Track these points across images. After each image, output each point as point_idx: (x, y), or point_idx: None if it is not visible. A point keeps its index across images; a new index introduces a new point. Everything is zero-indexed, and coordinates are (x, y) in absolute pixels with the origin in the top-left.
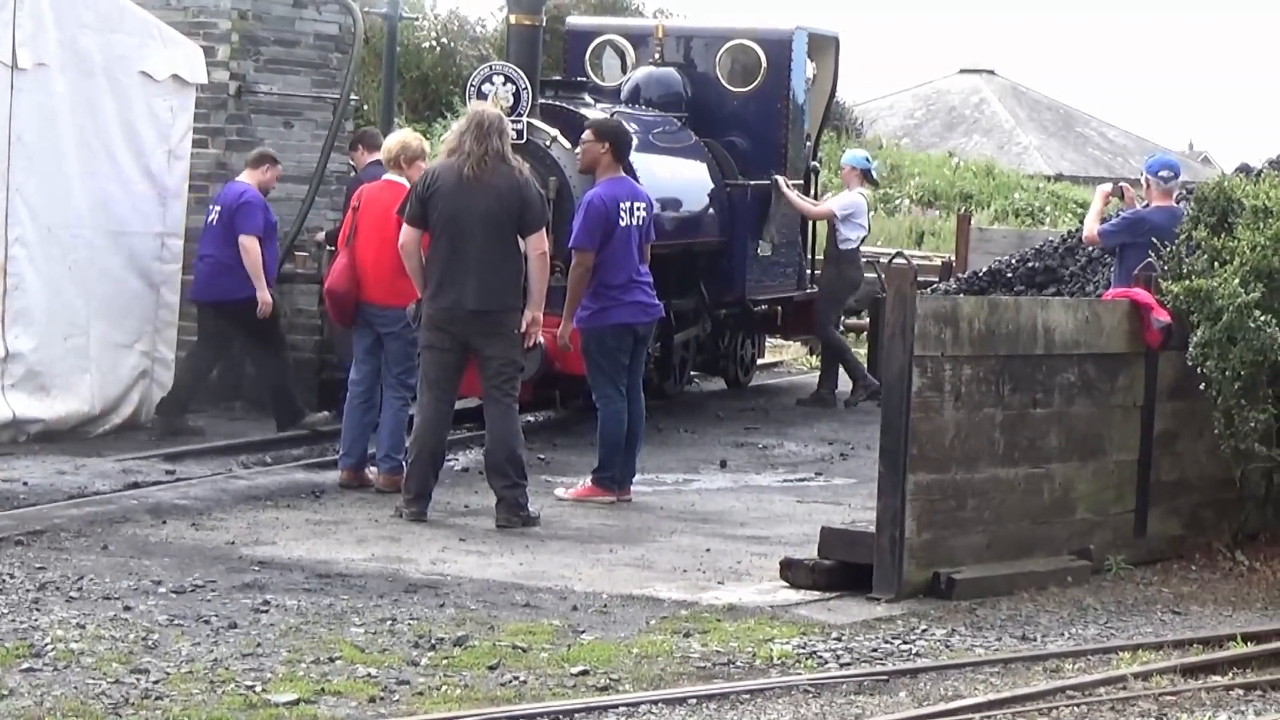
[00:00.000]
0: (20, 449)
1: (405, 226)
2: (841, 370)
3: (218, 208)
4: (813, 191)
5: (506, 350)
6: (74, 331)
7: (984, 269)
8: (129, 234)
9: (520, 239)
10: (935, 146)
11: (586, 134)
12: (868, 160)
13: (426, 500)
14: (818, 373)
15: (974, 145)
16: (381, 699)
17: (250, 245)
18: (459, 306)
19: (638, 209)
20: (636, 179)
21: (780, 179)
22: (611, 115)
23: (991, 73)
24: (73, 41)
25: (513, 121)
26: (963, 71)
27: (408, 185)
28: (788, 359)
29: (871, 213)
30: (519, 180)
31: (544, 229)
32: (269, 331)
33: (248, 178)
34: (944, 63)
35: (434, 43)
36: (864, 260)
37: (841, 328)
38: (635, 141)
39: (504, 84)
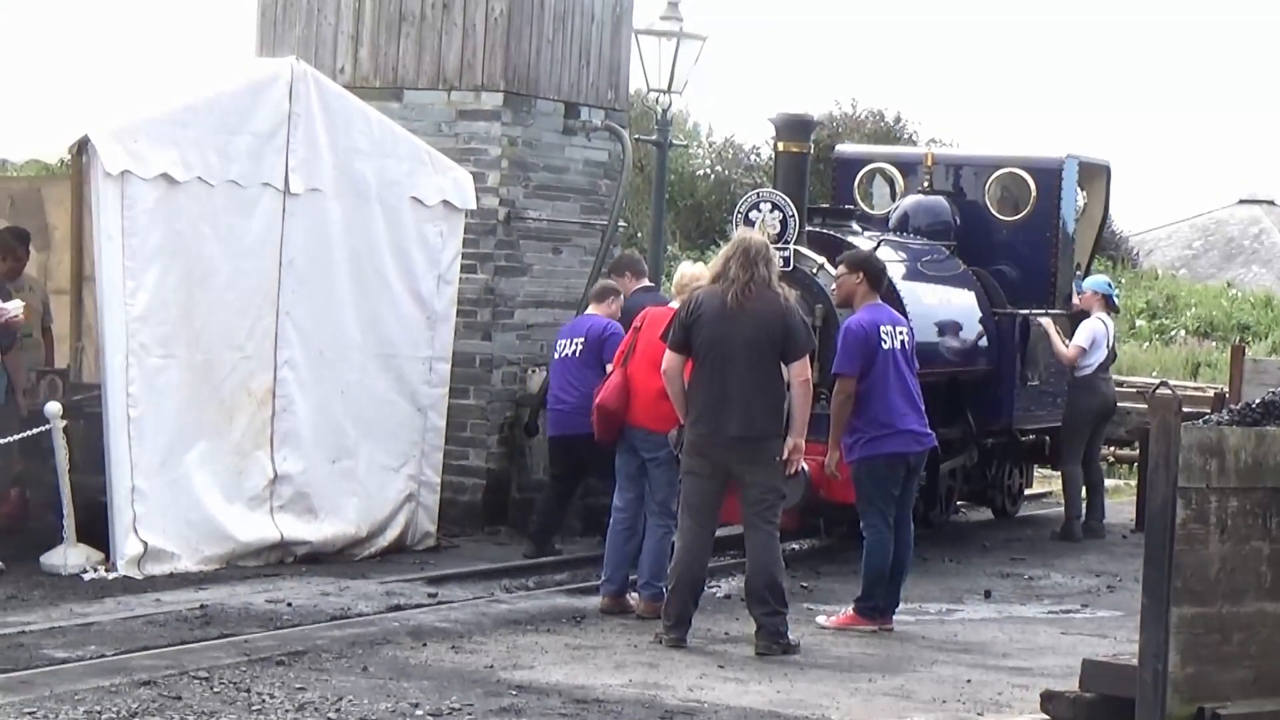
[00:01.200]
0: (286, 570)
1: (668, 352)
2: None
3: (580, 340)
4: None
5: (768, 477)
6: (342, 454)
7: (1257, 400)
8: (398, 357)
9: (784, 365)
10: (1213, 277)
11: (840, 268)
12: (1109, 285)
13: (686, 626)
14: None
15: (1253, 276)
16: None
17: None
18: (720, 433)
19: (899, 333)
20: (903, 306)
21: (1045, 321)
22: (879, 244)
23: (1272, 203)
24: (347, 166)
25: (779, 248)
26: (1242, 202)
27: None
28: (1056, 489)
29: (1116, 338)
30: (783, 307)
31: (808, 356)
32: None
33: (596, 310)
34: (1223, 193)
35: (708, 170)
36: (1137, 391)
37: (1110, 457)
38: (890, 269)
39: (771, 211)
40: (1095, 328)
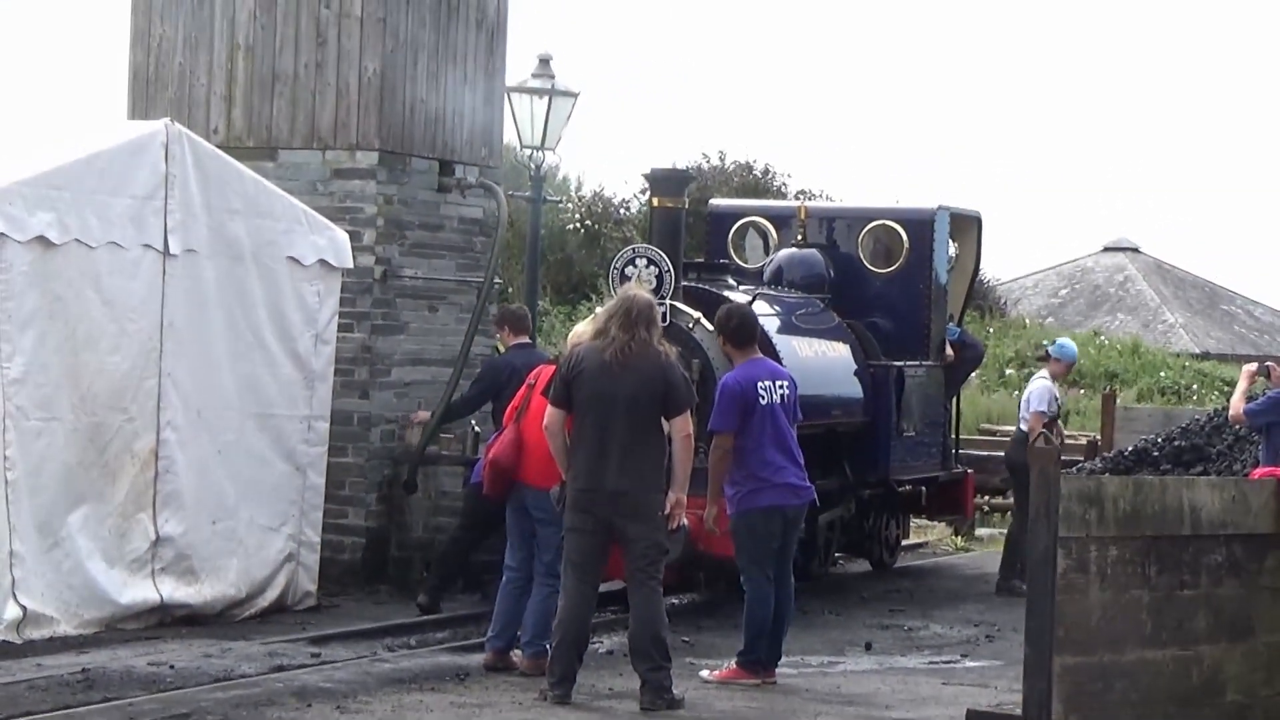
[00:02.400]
0: (167, 632)
1: (549, 408)
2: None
3: None
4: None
5: (650, 532)
6: (222, 515)
7: (1129, 448)
8: (276, 416)
9: (665, 421)
10: (1080, 325)
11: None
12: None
13: (571, 683)
14: (964, 553)
15: (1119, 324)
16: None
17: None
18: (602, 488)
19: (779, 387)
20: (779, 359)
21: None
22: (753, 297)
23: (1136, 250)
24: (221, 227)
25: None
26: (1107, 250)
27: None
28: (932, 539)
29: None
30: (663, 363)
31: (689, 411)
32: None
33: None
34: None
35: (578, 225)
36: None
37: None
38: (765, 323)
39: (647, 266)
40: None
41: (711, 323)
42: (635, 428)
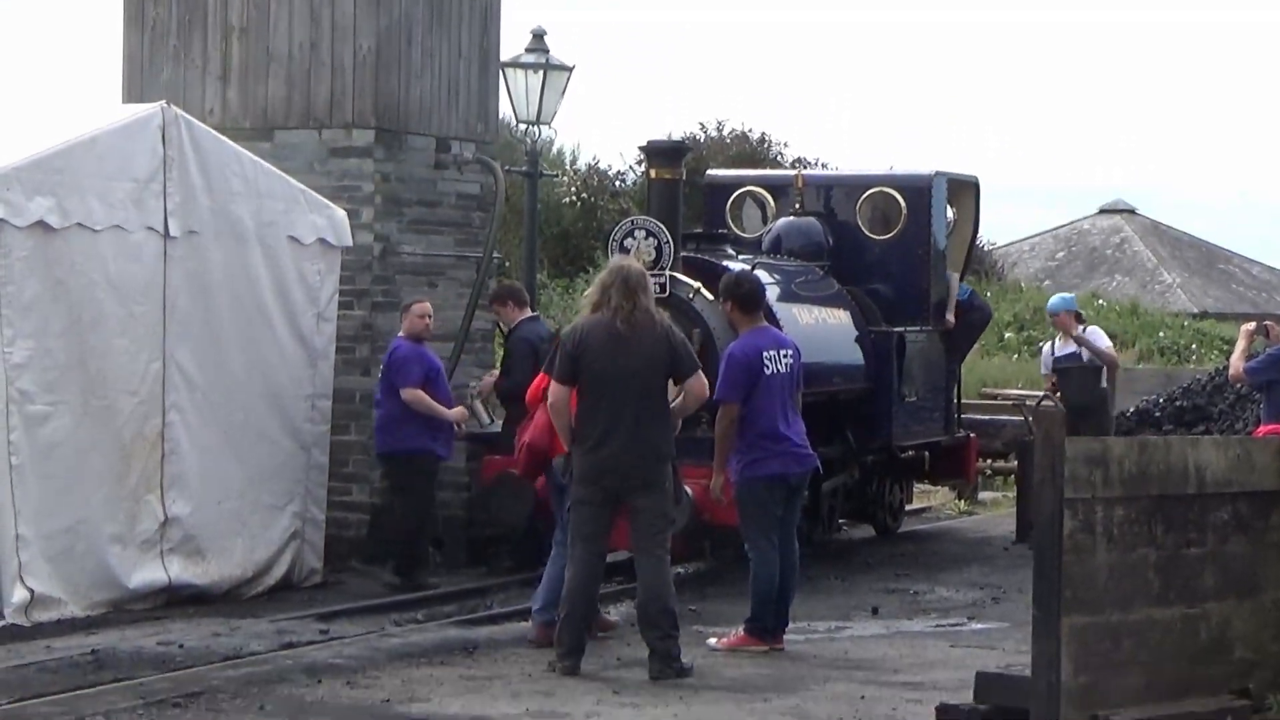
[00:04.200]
0: (175, 612)
1: (554, 384)
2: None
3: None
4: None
5: (658, 503)
6: (229, 495)
7: (1131, 409)
8: (281, 396)
9: (680, 385)
10: (1078, 287)
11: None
12: (1072, 300)
13: (580, 654)
14: (967, 517)
15: (1117, 285)
16: None
17: (411, 396)
18: (610, 460)
19: (784, 356)
20: (780, 327)
21: (1095, 330)
22: (752, 266)
23: (1132, 211)
24: (223, 208)
25: (655, 275)
26: (1103, 211)
27: None
28: (935, 504)
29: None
30: (662, 332)
31: (699, 371)
32: (421, 485)
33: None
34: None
35: (574, 198)
36: (1011, 404)
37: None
38: (772, 289)
39: (646, 238)
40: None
41: (711, 293)
42: (643, 399)
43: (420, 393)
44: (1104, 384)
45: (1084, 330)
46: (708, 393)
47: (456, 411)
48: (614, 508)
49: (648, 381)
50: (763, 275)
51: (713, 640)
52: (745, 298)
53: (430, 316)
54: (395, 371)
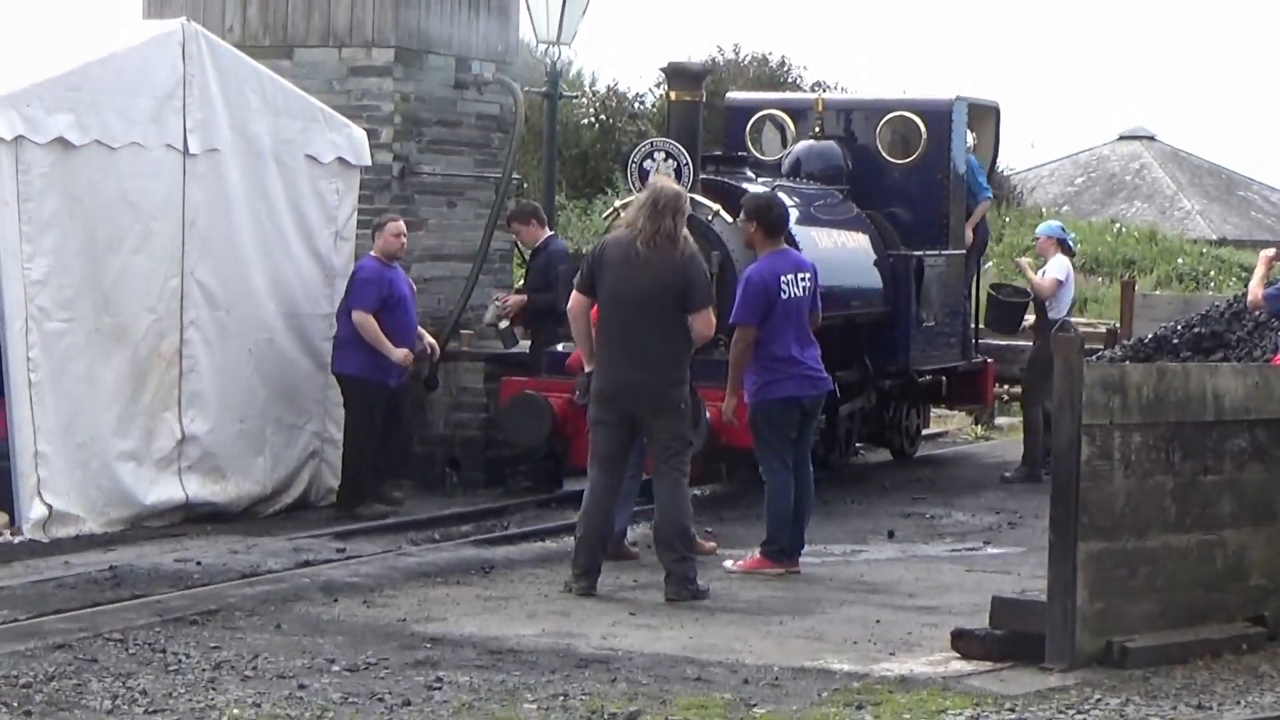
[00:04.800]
0: (192, 529)
1: (575, 292)
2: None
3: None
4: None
5: (673, 425)
6: (248, 413)
7: (1149, 336)
8: (300, 315)
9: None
10: (1096, 214)
11: (741, 216)
12: (1063, 229)
13: (596, 575)
14: (984, 442)
15: (1135, 212)
16: None
17: (360, 320)
18: (624, 381)
19: (801, 280)
20: (798, 251)
21: (1022, 260)
22: (772, 189)
23: (1152, 138)
24: (242, 126)
25: None
26: (1122, 138)
27: None
28: (953, 429)
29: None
30: (682, 259)
31: (709, 309)
32: (363, 412)
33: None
34: (1103, 129)
35: (593, 119)
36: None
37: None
38: (791, 212)
39: (665, 160)
40: (1066, 265)
41: (731, 215)
42: (654, 322)
43: (370, 319)
44: (1032, 319)
45: (1053, 259)
46: (712, 331)
47: (400, 353)
48: (630, 430)
49: (660, 304)
50: (782, 198)
51: (729, 563)
52: (775, 222)
53: (404, 235)
54: (353, 292)
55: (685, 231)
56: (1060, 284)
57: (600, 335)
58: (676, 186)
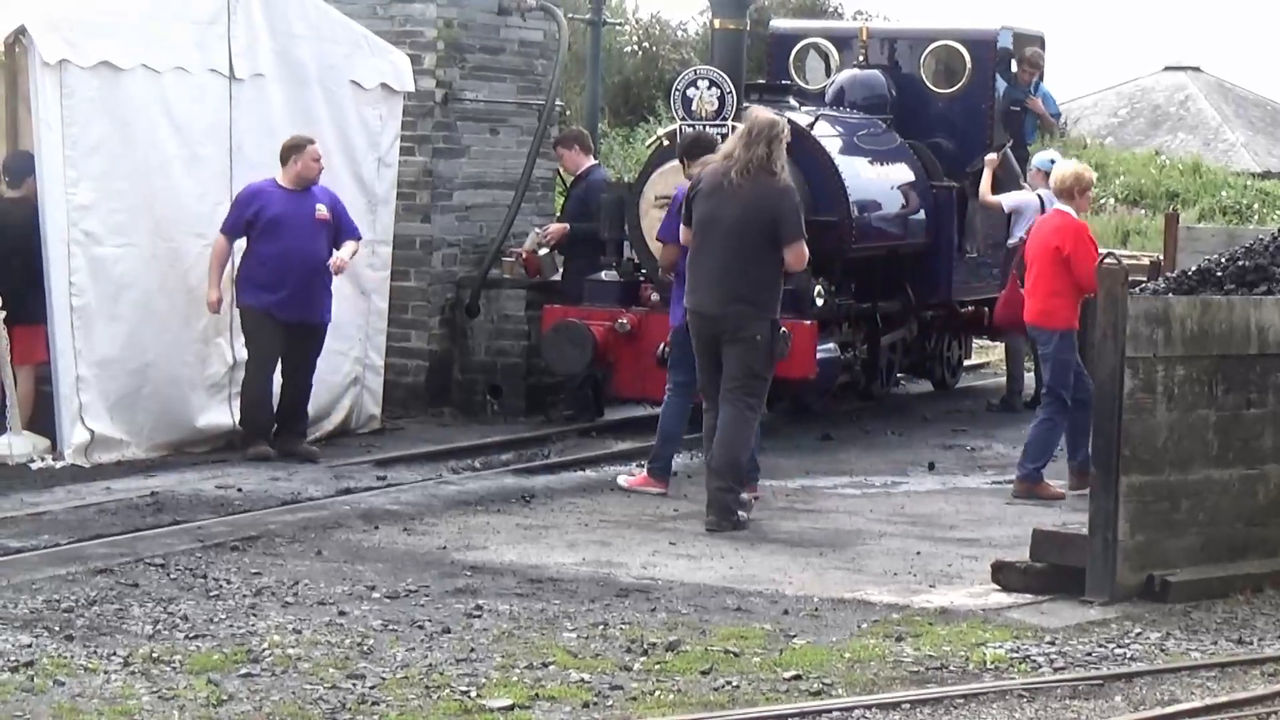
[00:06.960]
0: (233, 455)
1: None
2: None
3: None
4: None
5: (744, 355)
6: None
7: (1193, 268)
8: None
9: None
10: (1140, 145)
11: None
12: (1052, 163)
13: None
14: (1026, 373)
15: (1179, 143)
16: (595, 704)
17: (215, 243)
18: (705, 307)
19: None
20: (841, 180)
21: (990, 156)
22: (815, 118)
23: (1197, 69)
24: (286, 52)
25: (717, 125)
26: (1167, 69)
27: (1075, 217)
28: (994, 360)
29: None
30: (776, 191)
31: (800, 240)
32: (250, 346)
33: None
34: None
35: (636, 47)
36: None
37: None
38: (827, 144)
39: (709, 88)
40: (1027, 200)
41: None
42: (738, 252)
43: (219, 242)
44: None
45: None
46: (803, 264)
47: (211, 297)
48: (714, 354)
49: (746, 235)
50: (825, 127)
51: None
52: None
53: (316, 161)
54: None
55: (783, 160)
56: (1007, 211)
57: (689, 262)
58: (772, 114)
